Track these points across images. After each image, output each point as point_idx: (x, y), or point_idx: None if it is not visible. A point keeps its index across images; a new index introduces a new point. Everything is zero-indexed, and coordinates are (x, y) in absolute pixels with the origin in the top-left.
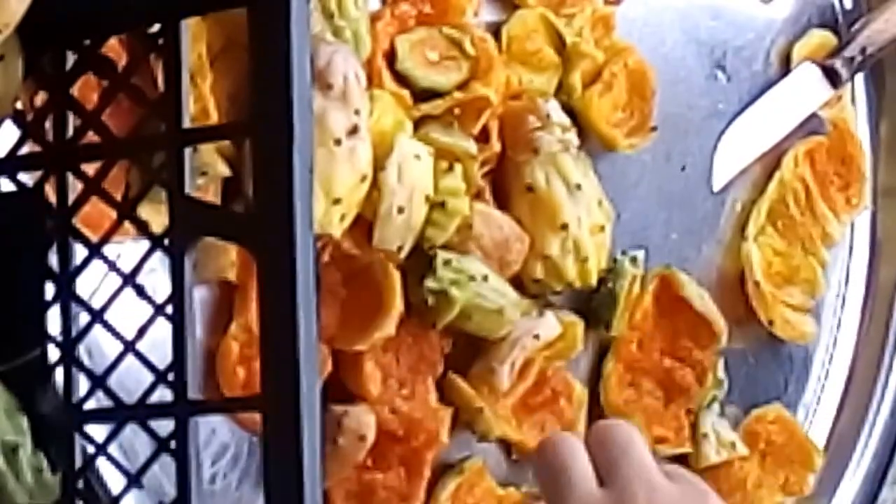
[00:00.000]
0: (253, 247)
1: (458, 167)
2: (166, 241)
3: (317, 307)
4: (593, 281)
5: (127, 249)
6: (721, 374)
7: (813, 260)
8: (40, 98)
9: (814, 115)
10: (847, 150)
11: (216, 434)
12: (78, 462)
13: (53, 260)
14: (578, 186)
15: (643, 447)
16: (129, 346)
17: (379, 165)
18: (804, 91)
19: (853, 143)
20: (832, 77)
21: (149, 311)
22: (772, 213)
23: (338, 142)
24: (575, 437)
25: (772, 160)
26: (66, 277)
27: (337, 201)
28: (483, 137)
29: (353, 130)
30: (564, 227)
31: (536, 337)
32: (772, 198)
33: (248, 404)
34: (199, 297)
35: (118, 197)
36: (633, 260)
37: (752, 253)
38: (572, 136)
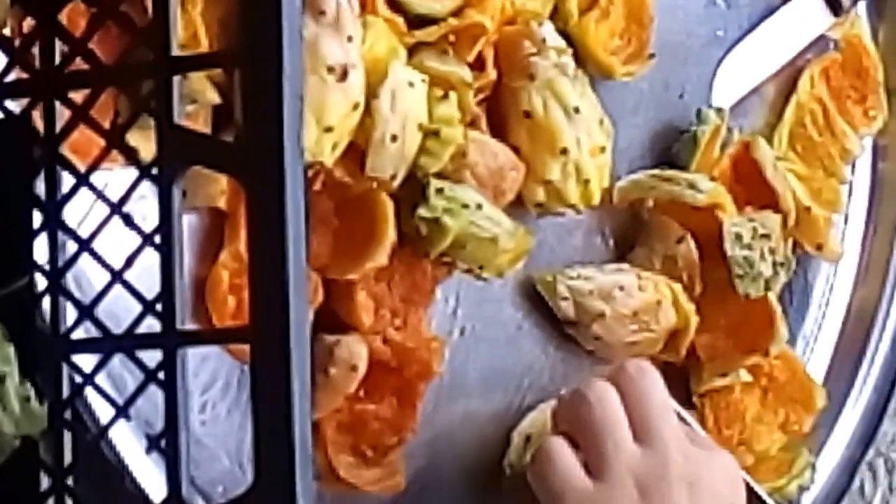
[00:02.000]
0: (241, 176)
1: (453, 95)
2: (154, 170)
3: (306, 236)
4: (596, 201)
5: (115, 178)
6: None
7: (833, 180)
8: (27, 24)
9: (822, 38)
10: (862, 64)
11: (206, 363)
12: (65, 392)
13: (41, 188)
14: (577, 109)
15: (667, 396)
16: (117, 276)
17: (372, 93)
18: (805, 18)
19: (867, 55)
20: (834, 4)
21: (137, 240)
22: (791, 137)
23: (330, 69)
24: (609, 385)
25: (787, 84)
26: (54, 206)
27: (329, 129)
28: (478, 64)
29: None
30: (564, 151)
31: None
32: (790, 122)
33: (236, 335)
34: (189, 225)
35: (106, 125)
36: (719, 111)
37: (791, 180)
38: (568, 60)
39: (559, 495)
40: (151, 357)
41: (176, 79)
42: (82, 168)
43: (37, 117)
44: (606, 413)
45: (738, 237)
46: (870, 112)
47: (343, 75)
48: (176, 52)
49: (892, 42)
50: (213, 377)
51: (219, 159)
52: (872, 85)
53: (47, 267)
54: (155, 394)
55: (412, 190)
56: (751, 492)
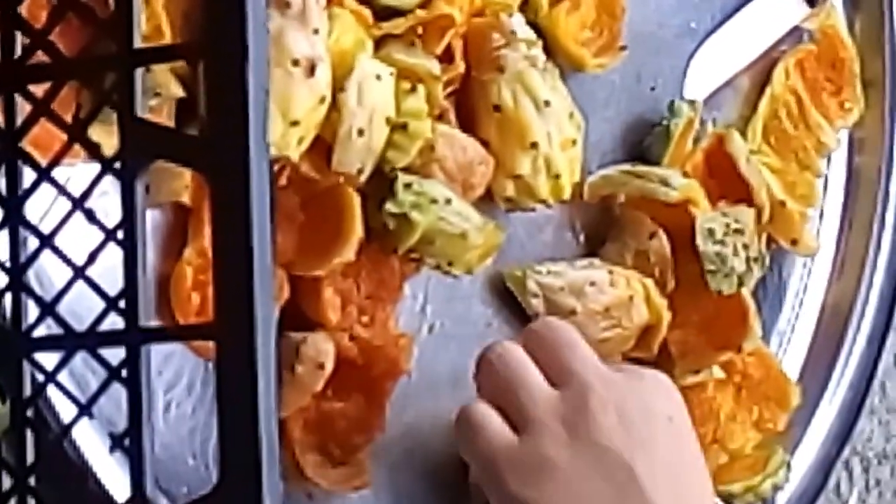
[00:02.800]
0: (205, 170)
1: (421, 88)
2: (117, 165)
3: (272, 231)
4: (567, 195)
5: (77, 173)
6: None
7: (808, 173)
8: None
9: (797, 29)
10: (838, 55)
11: (170, 361)
12: (27, 391)
13: (1, 183)
14: (547, 103)
15: (584, 343)
16: (80, 272)
17: (338, 86)
18: (779, 9)
19: (843, 47)
20: None
21: (100, 236)
22: (765, 130)
23: (295, 62)
24: (511, 343)
25: (761, 76)
26: (15, 201)
27: (295, 123)
28: (447, 57)
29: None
30: (534, 145)
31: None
32: (765, 115)
33: (200, 332)
34: (153, 221)
35: (68, 119)
36: (692, 104)
37: (765, 174)
38: (538, 52)
39: (489, 459)
40: (114, 355)
41: (139, 72)
42: (43, 163)
43: None
44: (510, 366)
45: (711, 232)
46: (845, 104)
47: (311, 70)
48: (139, 44)
49: (868, 33)
50: (177, 375)
51: (183, 153)
52: (848, 77)
53: (8, 263)
54: (118, 393)
55: (379, 185)
56: None
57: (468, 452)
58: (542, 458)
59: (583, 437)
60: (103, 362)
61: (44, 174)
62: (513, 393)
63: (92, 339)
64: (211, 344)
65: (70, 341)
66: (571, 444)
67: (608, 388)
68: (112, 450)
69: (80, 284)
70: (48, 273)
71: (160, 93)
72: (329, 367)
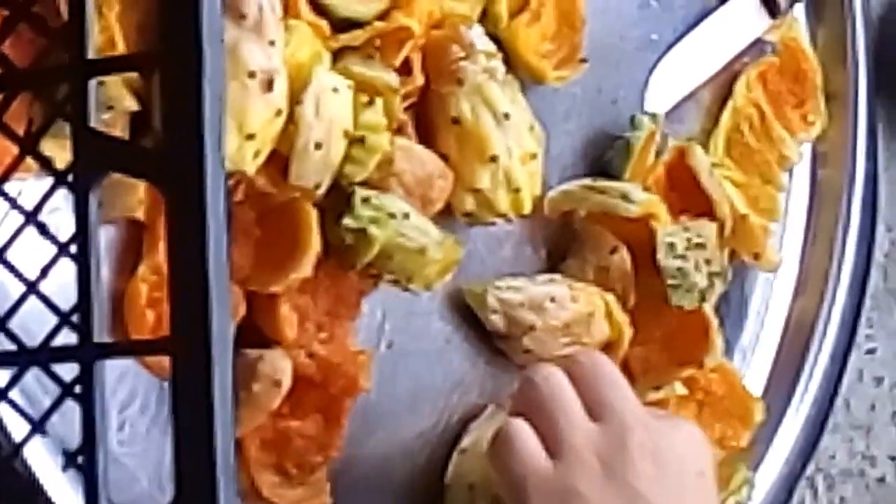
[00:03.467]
0: (160, 182)
1: (379, 101)
2: (70, 178)
3: (228, 245)
4: (527, 210)
5: (29, 186)
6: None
7: (770, 187)
8: None
9: (759, 41)
10: (800, 67)
11: (124, 380)
12: None
13: None
14: (507, 116)
15: (627, 384)
16: (32, 287)
17: (295, 99)
18: (741, 21)
19: (805, 59)
20: (770, 6)
21: (52, 250)
22: (728, 143)
23: (251, 74)
24: (556, 368)
25: (723, 89)
26: None
27: (251, 136)
28: (405, 69)
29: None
30: (494, 159)
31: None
32: (727, 128)
33: (155, 347)
34: (107, 237)
35: (20, 131)
36: (653, 117)
37: (728, 187)
38: (498, 64)
39: (521, 479)
40: (68, 371)
41: (92, 83)
42: None
43: None
44: (554, 391)
45: (672, 247)
46: (808, 117)
47: (268, 85)
48: (92, 55)
49: (830, 45)
50: (132, 395)
51: (137, 165)
52: (811, 89)
53: None
54: (71, 411)
55: (337, 199)
56: None
57: (500, 468)
58: (573, 489)
59: (618, 477)
60: (56, 379)
61: None
62: (554, 418)
63: (45, 355)
64: (166, 361)
65: (22, 357)
66: (604, 480)
67: (648, 431)
68: (65, 468)
69: (32, 300)
70: (1, 287)
71: (113, 106)
72: (286, 384)
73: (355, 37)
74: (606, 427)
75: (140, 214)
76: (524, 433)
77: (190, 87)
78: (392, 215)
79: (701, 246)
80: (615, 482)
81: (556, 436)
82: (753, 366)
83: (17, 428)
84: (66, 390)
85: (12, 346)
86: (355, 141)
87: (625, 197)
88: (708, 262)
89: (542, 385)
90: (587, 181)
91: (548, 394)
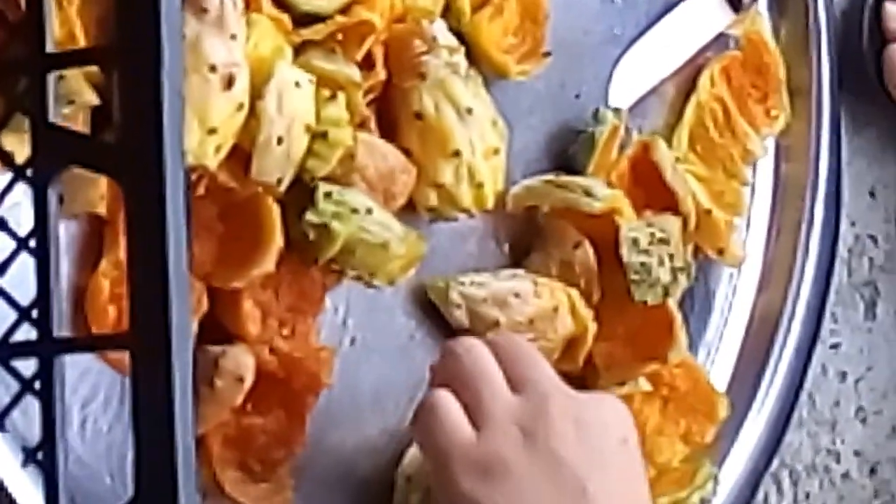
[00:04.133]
0: (119, 176)
1: (341, 95)
2: (29, 172)
3: (189, 240)
4: (490, 205)
5: None
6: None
7: (734, 182)
8: None
9: (723, 35)
10: (763, 61)
11: (86, 377)
12: None
13: None
14: (469, 110)
15: (546, 362)
16: None
17: (257, 94)
18: (704, 15)
19: (768, 53)
20: (733, 1)
21: (11, 245)
22: (691, 138)
23: (213, 69)
24: (478, 341)
25: (686, 84)
26: None
27: (212, 131)
28: (367, 64)
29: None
30: (457, 153)
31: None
32: (690, 122)
33: (114, 342)
34: (68, 232)
35: None
36: (616, 111)
37: (691, 182)
38: (461, 59)
39: (444, 450)
40: (27, 367)
41: (51, 77)
42: None
43: None
44: (476, 362)
45: (635, 242)
46: (772, 112)
47: (229, 83)
48: (51, 49)
49: (794, 39)
50: (94, 392)
51: (97, 159)
52: (774, 83)
53: None
54: (31, 407)
55: (299, 194)
56: None
57: (424, 441)
58: (497, 457)
59: (540, 444)
60: (16, 374)
61: None
62: (476, 388)
63: (4, 351)
64: (127, 357)
65: None
66: (528, 448)
67: (568, 400)
68: (25, 463)
69: None
70: None
71: (74, 100)
72: (249, 380)
73: (317, 31)
74: (528, 396)
75: (101, 209)
76: (447, 404)
77: (149, 82)
78: (355, 210)
79: (664, 241)
80: (537, 449)
81: (478, 406)
82: (718, 361)
83: None
84: (26, 386)
85: None
86: (317, 136)
87: (588, 193)
88: (672, 257)
89: (465, 356)
90: (550, 177)
91: (470, 365)
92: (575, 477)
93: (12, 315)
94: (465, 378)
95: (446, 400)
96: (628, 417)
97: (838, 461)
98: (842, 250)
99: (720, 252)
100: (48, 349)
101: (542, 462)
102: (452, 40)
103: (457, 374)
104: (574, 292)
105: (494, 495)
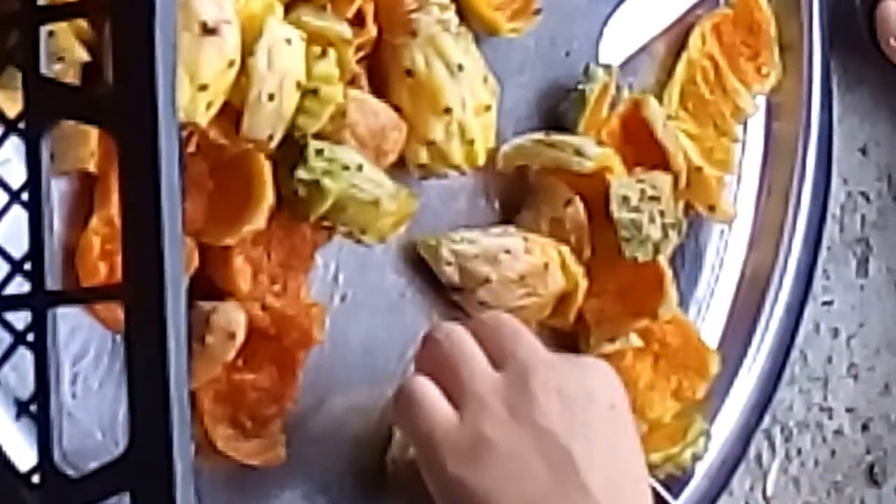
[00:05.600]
0: (113, 128)
1: (332, 52)
2: (21, 126)
3: (182, 193)
4: (481, 162)
5: None
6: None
7: (725, 139)
8: None
9: None
10: (754, 19)
11: (77, 333)
12: None
13: None
14: (460, 67)
15: (530, 333)
16: None
17: (248, 50)
18: None
19: (759, 10)
20: None
21: (3, 199)
22: (682, 96)
23: (203, 25)
24: (457, 325)
25: (677, 41)
26: None
27: (203, 88)
28: (358, 21)
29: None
30: (448, 110)
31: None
32: (681, 80)
33: (108, 293)
34: (58, 190)
35: None
36: (607, 69)
37: (682, 139)
38: (451, 16)
39: (427, 433)
40: (20, 320)
41: (43, 31)
42: None
43: None
44: (455, 345)
45: (626, 199)
46: (762, 69)
47: (213, 41)
48: (43, 1)
49: None
50: (85, 348)
51: (90, 112)
52: (765, 41)
53: None
54: (23, 363)
55: (290, 151)
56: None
57: (405, 426)
58: (481, 436)
59: (523, 418)
60: (9, 327)
61: None
62: (455, 370)
63: None
64: (119, 314)
65: None
66: (511, 424)
67: (550, 371)
68: (18, 416)
69: None
70: None
71: (64, 57)
72: (240, 337)
73: None
74: (509, 372)
75: (92, 167)
76: (425, 388)
77: (142, 32)
78: (346, 167)
79: (655, 198)
80: (521, 423)
81: (459, 387)
82: (709, 318)
83: None
84: (19, 338)
85: None
86: (308, 92)
87: (578, 152)
88: (662, 213)
89: (443, 341)
90: (540, 135)
91: (448, 348)
92: (561, 447)
93: (5, 268)
94: (445, 362)
95: (423, 385)
96: (616, 382)
97: (830, 417)
98: (833, 207)
99: (711, 209)
100: (41, 301)
101: (527, 436)
102: None
103: (436, 358)
104: (565, 249)
105: (481, 475)
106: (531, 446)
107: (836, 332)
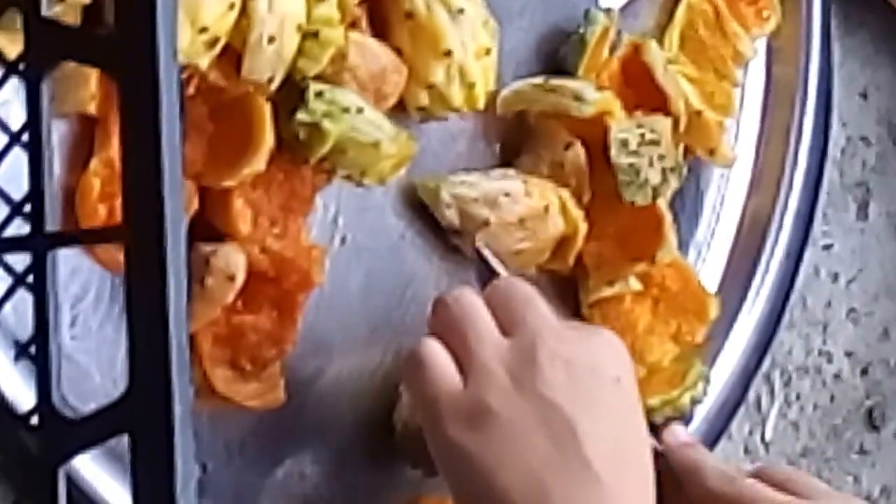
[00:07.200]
0: (113, 70)
1: None
2: (21, 67)
3: (181, 134)
4: (481, 105)
5: None
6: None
7: (725, 83)
8: None
9: None
10: None
11: (76, 275)
12: None
13: None
14: (461, 10)
15: (543, 301)
16: None
17: None
18: None
19: None
20: None
21: (3, 141)
22: (682, 39)
23: None
24: (468, 288)
25: None
26: None
27: (203, 30)
28: None
29: None
30: (448, 53)
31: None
32: (681, 23)
33: (108, 235)
34: (58, 133)
35: None
36: (608, 12)
37: (682, 83)
38: None
39: (433, 399)
40: (20, 262)
41: None
42: None
43: None
44: (464, 309)
45: (625, 143)
46: (763, 13)
47: None
48: None
49: None
50: (84, 290)
51: (90, 53)
52: None
53: None
54: (23, 305)
55: (290, 93)
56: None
57: (413, 389)
58: (484, 404)
59: (527, 388)
60: (8, 269)
61: None
62: (463, 335)
63: None
64: (119, 255)
65: None
66: (514, 393)
67: (559, 341)
68: (17, 358)
69: None
70: None
71: None
72: (240, 279)
73: None
74: (517, 340)
75: (92, 109)
76: (434, 353)
77: None
78: (346, 109)
79: (654, 142)
80: (525, 393)
81: (466, 353)
82: (709, 262)
83: None
84: (19, 280)
85: None
86: (309, 35)
87: (578, 97)
88: (662, 157)
89: (453, 305)
90: (539, 80)
91: (458, 312)
92: (564, 419)
93: (4, 210)
94: (453, 327)
95: (432, 349)
96: (624, 356)
97: (830, 362)
98: (833, 152)
99: (711, 153)
100: (41, 243)
101: (531, 405)
102: None
103: (446, 323)
104: (565, 192)
105: (482, 442)
106: (534, 416)
107: (835, 277)
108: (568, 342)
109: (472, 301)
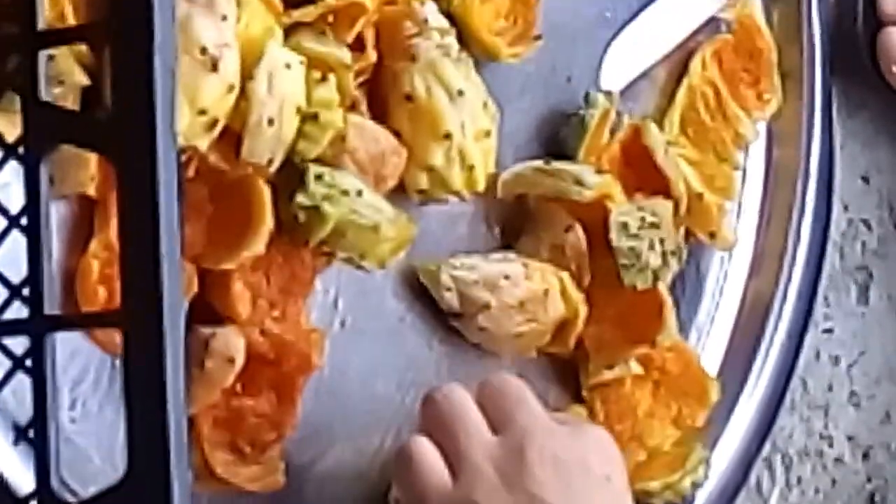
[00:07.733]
0: (111, 153)
1: (332, 77)
2: (21, 150)
3: (180, 217)
4: (481, 187)
5: None
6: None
7: (726, 166)
8: None
9: (714, 19)
10: (755, 45)
11: (76, 358)
12: None
13: None
14: (461, 92)
15: (534, 399)
16: None
17: (247, 75)
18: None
19: (760, 36)
20: None
21: (2, 224)
22: (683, 122)
23: (203, 50)
24: (458, 385)
25: (678, 67)
26: None
27: (202, 112)
28: (358, 46)
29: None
30: (448, 136)
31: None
32: (682, 106)
33: (106, 319)
34: (57, 214)
35: None
36: (608, 95)
37: (683, 166)
38: (452, 41)
39: (421, 496)
40: (19, 345)
41: (42, 56)
42: None
43: None
44: (454, 407)
45: (625, 227)
46: (763, 96)
47: (213, 65)
48: (42, 26)
49: (786, 22)
50: (84, 372)
51: (88, 137)
52: (766, 67)
53: None
54: (22, 388)
55: (290, 176)
56: None
57: (401, 485)
58: (472, 503)
59: (516, 486)
60: (7, 352)
61: None
62: (452, 433)
63: None
64: (118, 337)
65: None
66: (503, 492)
67: (548, 439)
68: (16, 441)
69: None
70: None
71: (64, 80)
72: (239, 361)
73: (308, 13)
74: (506, 438)
75: (91, 190)
76: (424, 450)
77: (140, 57)
78: (345, 192)
79: (655, 225)
80: (514, 491)
81: (455, 451)
82: (709, 345)
83: None
84: (18, 364)
85: None
86: (308, 117)
87: (578, 181)
88: (662, 241)
89: (442, 402)
90: (539, 163)
91: (447, 410)
92: None
93: (3, 293)
94: (443, 424)
95: (422, 446)
96: (615, 454)
97: (831, 446)
98: (834, 235)
99: (712, 236)
100: (40, 326)
101: None
102: (443, 22)
103: (436, 420)
104: (565, 275)
105: None
106: None
107: (836, 360)
108: (558, 440)
109: (461, 398)
